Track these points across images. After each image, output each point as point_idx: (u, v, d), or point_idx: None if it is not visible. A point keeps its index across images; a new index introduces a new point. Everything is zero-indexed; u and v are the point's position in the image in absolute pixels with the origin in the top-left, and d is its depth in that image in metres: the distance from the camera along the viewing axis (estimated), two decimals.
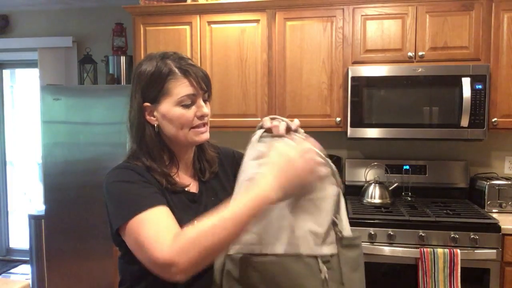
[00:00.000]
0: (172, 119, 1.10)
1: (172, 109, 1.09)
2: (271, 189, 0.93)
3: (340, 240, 1.07)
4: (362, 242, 2.37)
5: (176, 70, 1.09)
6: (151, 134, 1.13)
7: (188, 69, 1.10)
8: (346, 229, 1.09)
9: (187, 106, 1.10)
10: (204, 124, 1.13)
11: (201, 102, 1.12)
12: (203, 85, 1.11)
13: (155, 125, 1.13)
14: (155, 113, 1.12)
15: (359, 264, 1.10)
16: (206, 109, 1.12)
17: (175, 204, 1.10)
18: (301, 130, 1.15)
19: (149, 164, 1.11)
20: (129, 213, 0.99)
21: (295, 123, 1.14)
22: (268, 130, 1.13)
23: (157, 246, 0.92)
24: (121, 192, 1.05)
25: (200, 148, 1.24)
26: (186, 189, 1.17)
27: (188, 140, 1.13)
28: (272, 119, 1.16)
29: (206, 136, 1.15)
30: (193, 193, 1.18)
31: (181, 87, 1.09)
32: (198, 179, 1.22)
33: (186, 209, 1.13)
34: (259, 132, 1.14)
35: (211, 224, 0.92)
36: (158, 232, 0.95)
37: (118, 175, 1.09)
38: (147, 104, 1.12)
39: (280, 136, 1.09)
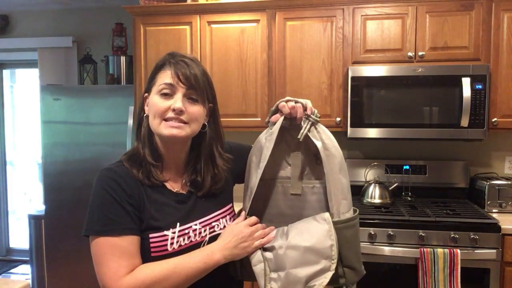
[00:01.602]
0: (151, 107, 1.11)
1: (153, 97, 1.11)
2: (219, 254, 1.09)
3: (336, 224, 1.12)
4: (362, 242, 2.37)
5: (166, 63, 1.11)
6: (145, 123, 1.14)
7: (177, 62, 1.10)
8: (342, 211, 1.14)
9: (165, 96, 1.09)
10: (179, 120, 1.07)
11: (179, 95, 1.08)
12: (184, 80, 1.08)
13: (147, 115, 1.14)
14: (148, 102, 1.14)
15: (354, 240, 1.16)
16: (179, 103, 1.06)
17: (159, 203, 1.09)
18: (315, 111, 1.17)
19: (142, 154, 1.11)
20: (99, 231, 1.04)
21: (309, 104, 1.16)
22: (287, 114, 1.15)
23: (112, 277, 1.01)
24: (100, 203, 1.05)
25: (210, 157, 1.18)
26: (175, 191, 1.14)
27: (157, 131, 1.09)
28: (286, 101, 1.16)
29: (175, 131, 1.07)
30: (181, 193, 1.15)
31: (164, 76, 1.10)
32: (189, 185, 1.17)
33: (172, 211, 1.10)
34: (280, 122, 1.16)
35: (166, 271, 1.03)
36: (118, 266, 1.01)
37: (104, 181, 1.07)
38: (145, 94, 1.15)
39: (301, 118, 1.15)
